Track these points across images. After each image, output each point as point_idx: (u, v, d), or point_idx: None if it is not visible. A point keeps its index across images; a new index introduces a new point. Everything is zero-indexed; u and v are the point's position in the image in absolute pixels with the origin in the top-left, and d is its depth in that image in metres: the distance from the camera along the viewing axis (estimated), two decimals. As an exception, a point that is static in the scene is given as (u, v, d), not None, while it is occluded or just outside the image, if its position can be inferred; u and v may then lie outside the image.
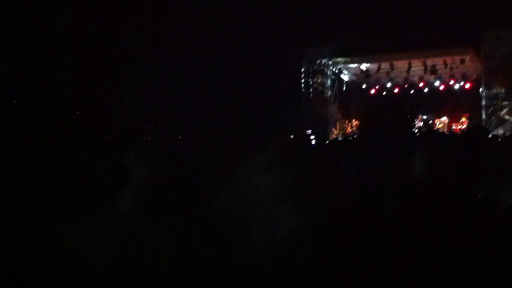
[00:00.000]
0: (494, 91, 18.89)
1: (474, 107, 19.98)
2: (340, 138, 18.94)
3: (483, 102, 19.21)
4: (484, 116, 19.03)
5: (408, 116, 18.92)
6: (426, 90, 21.56)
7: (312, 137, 19.66)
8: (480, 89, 19.48)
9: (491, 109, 18.80)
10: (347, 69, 22.36)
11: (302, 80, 22.44)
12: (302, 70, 22.38)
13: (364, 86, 22.41)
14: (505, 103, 18.81)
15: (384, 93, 21.95)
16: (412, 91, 21.65)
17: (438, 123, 20.53)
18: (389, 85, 21.74)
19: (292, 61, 23.37)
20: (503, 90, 18.81)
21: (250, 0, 21.56)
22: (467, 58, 18.95)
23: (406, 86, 21.58)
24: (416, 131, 18.37)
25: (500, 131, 17.43)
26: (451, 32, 18.50)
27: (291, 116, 22.51)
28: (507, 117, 18.57)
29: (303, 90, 22.37)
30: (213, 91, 20.15)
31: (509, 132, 17.02)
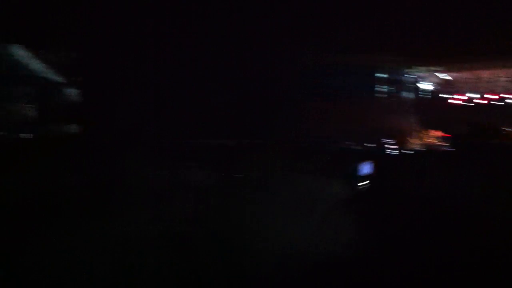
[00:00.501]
0: None
1: None
2: (420, 148, 18.78)
3: None
4: None
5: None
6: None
7: (391, 146, 19.58)
8: None
9: None
10: (426, 78, 21.95)
11: (383, 89, 22.31)
12: (380, 78, 22.26)
13: (443, 95, 21.88)
14: None
15: (465, 104, 21.29)
16: (496, 102, 20.83)
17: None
18: (471, 95, 21.07)
19: (368, 70, 23.26)
20: None
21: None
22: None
23: (489, 97, 20.81)
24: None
25: None
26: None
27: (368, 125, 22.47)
28: None
29: (379, 99, 22.23)
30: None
31: None
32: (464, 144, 16.88)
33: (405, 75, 21.56)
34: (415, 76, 21.76)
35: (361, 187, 10.84)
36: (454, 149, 17.56)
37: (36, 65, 16.34)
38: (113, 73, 17.15)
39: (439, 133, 20.42)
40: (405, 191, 9.67)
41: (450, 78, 21.03)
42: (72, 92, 16.96)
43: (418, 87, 22.38)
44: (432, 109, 22.44)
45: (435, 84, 22.20)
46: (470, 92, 21.02)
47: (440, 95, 22.26)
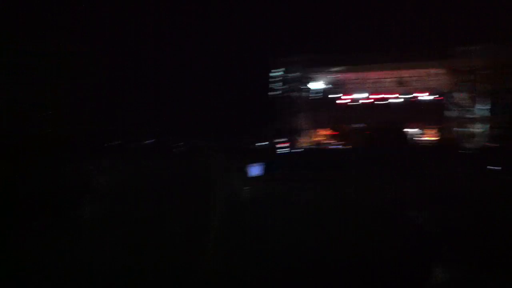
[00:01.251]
0: (463, 103, 19.20)
1: (444, 119, 20.23)
2: (310, 147, 18.89)
3: (453, 114, 19.48)
4: (454, 128, 19.27)
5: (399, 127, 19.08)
6: (397, 101, 21.64)
7: (283, 145, 19.54)
8: (450, 101, 19.74)
9: (461, 121, 19.09)
10: (319, 79, 22.27)
11: (276, 91, 22.39)
12: (274, 79, 22.31)
13: (335, 96, 22.33)
14: (473, 115, 19.16)
15: (355, 103, 21.93)
16: (384, 102, 21.71)
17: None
18: (361, 95, 21.74)
19: (263, 71, 23.30)
20: (471, 103, 19.15)
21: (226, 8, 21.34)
22: (438, 71, 19.15)
23: (378, 96, 21.62)
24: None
25: (470, 141, 17.61)
26: (423, 47, 18.76)
27: (261, 125, 22.30)
28: (476, 129, 18.88)
29: (274, 99, 22.29)
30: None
31: (479, 141, 17.23)
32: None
33: (295, 75, 21.72)
34: (306, 76, 21.97)
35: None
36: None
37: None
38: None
39: (328, 132, 20.78)
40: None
41: (340, 78, 21.49)
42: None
43: (309, 87, 22.63)
44: (322, 109, 22.78)
45: (326, 84, 22.59)
46: (359, 92, 21.66)
47: (330, 95, 22.67)
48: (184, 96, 20.02)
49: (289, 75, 22.06)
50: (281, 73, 22.27)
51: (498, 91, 18.80)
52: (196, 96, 20.35)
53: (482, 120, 19.25)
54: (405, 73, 19.82)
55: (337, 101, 22.18)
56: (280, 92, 22.39)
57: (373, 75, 20.36)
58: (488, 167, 6.37)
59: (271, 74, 22.44)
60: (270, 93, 22.61)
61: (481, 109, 19.27)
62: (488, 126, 18.99)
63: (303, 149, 18.70)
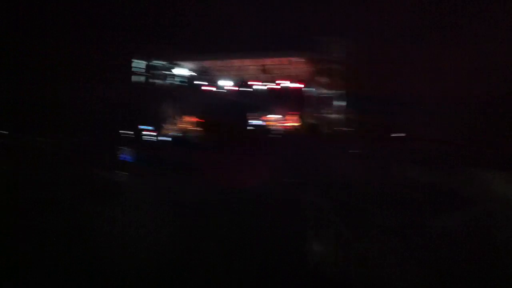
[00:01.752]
0: (322, 92, 20.30)
1: (304, 106, 21.21)
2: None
3: (313, 102, 20.49)
4: (313, 114, 20.32)
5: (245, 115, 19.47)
6: (260, 88, 22.14)
7: (150, 133, 19.03)
8: (310, 90, 20.73)
9: (320, 108, 20.19)
10: (184, 66, 21.92)
11: (139, 77, 21.61)
12: (138, 66, 21.50)
13: (200, 83, 22.15)
14: (332, 103, 20.38)
15: (220, 90, 21.99)
16: (247, 89, 22.08)
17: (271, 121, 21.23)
18: (225, 83, 21.84)
19: (126, 57, 22.37)
20: (329, 91, 20.33)
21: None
22: (298, 60, 19.92)
23: (241, 84, 21.90)
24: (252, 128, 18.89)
25: (327, 127, 18.73)
26: (285, 36, 19.36)
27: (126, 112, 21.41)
28: (333, 115, 20.10)
29: (139, 86, 21.52)
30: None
31: (334, 127, 18.38)
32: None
33: (163, 63, 21.16)
34: (172, 64, 21.50)
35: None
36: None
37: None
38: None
39: (193, 119, 20.66)
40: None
41: (205, 65, 21.34)
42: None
43: (174, 75, 22.18)
44: (187, 96, 22.52)
45: (192, 71, 22.31)
46: (224, 79, 21.74)
47: (195, 82, 22.45)
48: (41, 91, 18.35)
49: (153, 63, 21.41)
50: (145, 62, 21.53)
51: (352, 82, 20.26)
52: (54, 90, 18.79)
53: (339, 108, 20.57)
54: (268, 61, 20.32)
55: (202, 89, 22.07)
56: (144, 80, 21.66)
57: (237, 62, 20.55)
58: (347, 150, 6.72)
59: (134, 63, 21.60)
60: (134, 82, 21.78)
61: (338, 98, 20.56)
62: (343, 114, 20.40)
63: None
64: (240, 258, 3.82)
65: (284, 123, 21.46)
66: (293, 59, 19.98)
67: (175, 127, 20.65)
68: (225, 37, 20.39)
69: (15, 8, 18.59)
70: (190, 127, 20.34)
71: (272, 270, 3.27)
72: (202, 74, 21.39)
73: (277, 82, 21.65)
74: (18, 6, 18.74)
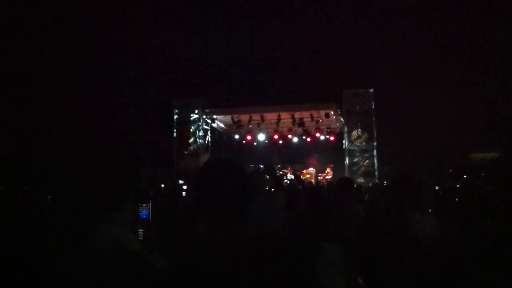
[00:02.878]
0: (355, 144, 20.31)
1: (337, 159, 21.21)
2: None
3: (346, 154, 20.48)
4: (346, 167, 20.26)
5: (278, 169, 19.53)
6: (294, 141, 22.29)
7: (185, 187, 19.21)
8: (343, 142, 20.77)
9: (353, 160, 20.17)
10: (219, 119, 22.44)
11: (174, 131, 22.29)
12: (175, 120, 22.21)
13: (236, 136, 22.53)
14: (365, 155, 20.28)
15: (255, 143, 22.26)
16: (281, 142, 22.27)
17: (306, 174, 21.21)
18: (260, 136, 22.13)
19: (163, 112, 23.19)
20: (363, 143, 20.31)
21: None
22: (331, 112, 20.05)
23: (275, 137, 22.10)
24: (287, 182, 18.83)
25: (362, 180, 18.56)
26: (316, 89, 19.75)
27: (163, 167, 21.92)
28: (366, 168, 19.99)
29: (175, 141, 22.15)
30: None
31: (369, 180, 18.20)
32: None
33: (198, 118, 21.77)
34: (208, 118, 22.02)
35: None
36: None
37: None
38: None
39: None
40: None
41: (239, 119, 21.76)
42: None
43: (212, 129, 22.74)
44: (225, 149, 22.90)
45: (227, 125, 22.81)
46: (259, 133, 22.07)
47: (233, 136, 22.89)
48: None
49: (188, 115, 22.06)
50: (179, 113, 22.24)
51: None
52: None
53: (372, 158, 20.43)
54: (302, 114, 20.53)
55: (239, 141, 22.41)
56: (178, 132, 22.31)
57: (270, 116, 20.85)
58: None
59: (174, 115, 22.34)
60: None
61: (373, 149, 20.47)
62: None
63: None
64: None
65: (318, 176, 21.45)
66: (327, 111, 20.11)
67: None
68: (259, 91, 20.96)
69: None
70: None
71: None
72: (237, 127, 21.78)
73: (310, 135, 21.79)
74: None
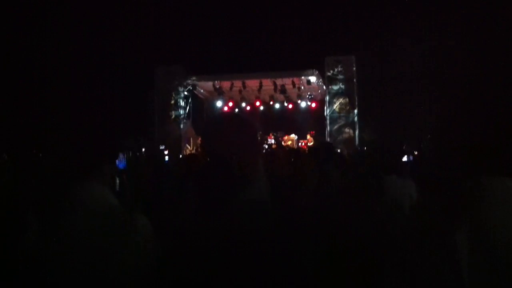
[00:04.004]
0: (336, 111, 20.39)
1: (319, 125, 21.33)
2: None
3: (327, 121, 20.58)
4: (327, 133, 20.39)
5: (260, 134, 19.52)
6: (276, 108, 22.33)
7: (166, 152, 19.24)
8: (324, 109, 20.83)
9: (334, 127, 20.28)
10: (201, 86, 22.27)
11: (155, 98, 22.12)
12: (155, 87, 22.00)
13: (218, 103, 22.44)
14: (346, 122, 20.43)
15: (236, 110, 22.21)
16: (262, 109, 22.31)
17: (287, 140, 21.33)
18: (241, 102, 22.12)
19: (144, 79, 22.95)
20: (344, 110, 20.41)
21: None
22: (313, 79, 20.02)
23: (257, 104, 22.12)
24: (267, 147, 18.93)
25: (341, 147, 18.70)
26: (299, 56, 19.63)
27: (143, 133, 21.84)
28: (347, 134, 20.14)
29: (156, 107, 21.98)
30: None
31: (350, 147, 18.33)
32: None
33: (179, 85, 21.56)
34: (190, 85, 21.83)
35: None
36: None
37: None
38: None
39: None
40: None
41: (220, 86, 21.63)
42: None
43: (193, 96, 22.57)
44: (207, 117, 22.75)
45: (209, 92, 22.66)
46: (240, 99, 21.99)
47: (214, 103, 22.77)
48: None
49: (169, 82, 21.83)
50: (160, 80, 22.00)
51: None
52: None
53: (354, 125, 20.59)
54: (283, 81, 20.47)
55: (220, 108, 22.35)
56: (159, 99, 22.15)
57: (252, 83, 20.75)
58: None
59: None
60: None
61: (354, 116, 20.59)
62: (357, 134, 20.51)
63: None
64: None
65: (299, 142, 21.58)
66: (307, 78, 20.07)
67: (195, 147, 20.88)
68: (241, 58, 20.80)
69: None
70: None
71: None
72: (218, 94, 21.66)
73: (292, 101, 21.84)
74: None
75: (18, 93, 18.97)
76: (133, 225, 1.90)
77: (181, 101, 22.05)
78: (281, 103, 22.15)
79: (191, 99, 22.75)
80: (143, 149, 18.10)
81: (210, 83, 21.30)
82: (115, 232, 1.85)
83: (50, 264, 1.84)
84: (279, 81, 20.38)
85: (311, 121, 22.14)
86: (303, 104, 21.81)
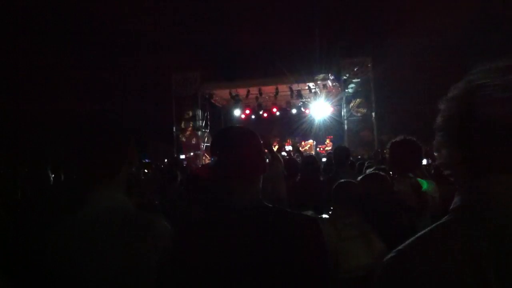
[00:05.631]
0: (354, 114, 20.19)
1: (337, 129, 21.17)
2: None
3: (345, 124, 20.40)
4: (346, 138, 20.20)
5: (277, 140, 19.50)
6: (293, 113, 22.25)
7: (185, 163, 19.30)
8: (342, 113, 20.64)
9: (352, 131, 20.08)
10: (217, 94, 22.35)
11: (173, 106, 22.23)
12: (173, 95, 22.13)
13: (235, 111, 22.49)
14: (364, 124, 20.21)
15: (253, 117, 22.22)
16: (278, 114, 22.25)
17: (305, 145, 21.25)
18: (258, 110, 22.10)
19: (162, 87, 23.09)
20: (362, 112, 20.20)
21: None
22: (329, 83, 19.93)
23: (274, 110, 22.07)
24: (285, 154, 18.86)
25: (361, 150, 18.51)
26: (313, 60, 19.50)
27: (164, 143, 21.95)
28: (366, 137, 19.91)
29: (174, 116, 22.09)
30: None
31: (369, 149, 18.13)
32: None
33: (197, 93, 21.65)
34: (207, 93, 21.91)
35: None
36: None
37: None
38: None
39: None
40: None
41: (237, 93, 21.68)
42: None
43: (210, 104, 22.65)
44: (224, 125, 22.72)
45: (226, 100, 22.69)
46: (257, 106, 22.00)
47: (232, 111, 22.79)
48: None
49: (186, 90, 21.93)
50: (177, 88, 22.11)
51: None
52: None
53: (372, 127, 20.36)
54: (298, 86, 20.41)
55: (238, 116, 22.40)
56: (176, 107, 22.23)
57: (268, 89, 20.77)
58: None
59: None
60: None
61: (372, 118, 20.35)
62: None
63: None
64: None
65: (317, 147, 21.47)
66: (323, 82, 19.99)
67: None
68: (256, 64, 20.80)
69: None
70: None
71: None
72: (235, 102, 21.70)
73: (308, 106, 21.73)
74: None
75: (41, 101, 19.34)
76: (152, 230, 1.88)
77: (199, 110, 22.10)
78: (298, 108, 22.05)
79: (208, 107, 22.83)
80: (165, 160, 18.13)
81: (226, 91, 21.35)
82: (135, 239, 1.84)
83: (71, 272, 1.83)
84: (295, 87, 20.32)
85: (329, 125, 22.00)
86: (320, 108, 21.68)
